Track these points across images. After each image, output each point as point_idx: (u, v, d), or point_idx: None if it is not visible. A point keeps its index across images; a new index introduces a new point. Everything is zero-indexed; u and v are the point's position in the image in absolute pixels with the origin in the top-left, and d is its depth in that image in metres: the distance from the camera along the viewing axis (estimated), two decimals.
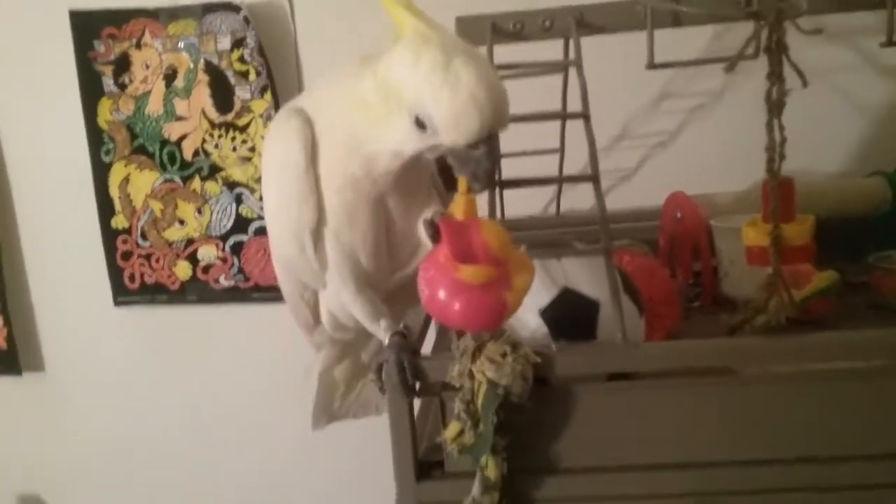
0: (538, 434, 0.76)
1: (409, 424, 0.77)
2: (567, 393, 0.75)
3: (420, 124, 0.68)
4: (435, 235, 0.71)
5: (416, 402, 0.81)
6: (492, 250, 0.66)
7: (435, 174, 0.83)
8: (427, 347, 0.87)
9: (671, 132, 1.41)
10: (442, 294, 0.66)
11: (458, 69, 0.66)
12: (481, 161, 0.68)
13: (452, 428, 0.73)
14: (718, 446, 0.74)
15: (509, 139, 1.03)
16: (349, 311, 0.84)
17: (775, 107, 0.81)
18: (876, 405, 0.73)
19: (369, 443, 1.12)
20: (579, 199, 1.39)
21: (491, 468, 0.72)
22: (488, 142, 0.67)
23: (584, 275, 0.83)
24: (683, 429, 0.74)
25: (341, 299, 0.84)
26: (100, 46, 1.51)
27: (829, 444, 0.73)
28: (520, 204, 1.33)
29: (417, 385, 0.75)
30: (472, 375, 0.71)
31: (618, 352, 0.73)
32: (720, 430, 0.74)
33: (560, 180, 1.28)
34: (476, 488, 0.72)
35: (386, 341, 0.79)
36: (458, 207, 0.69)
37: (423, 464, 0.79)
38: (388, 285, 0.85)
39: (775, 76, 0.81)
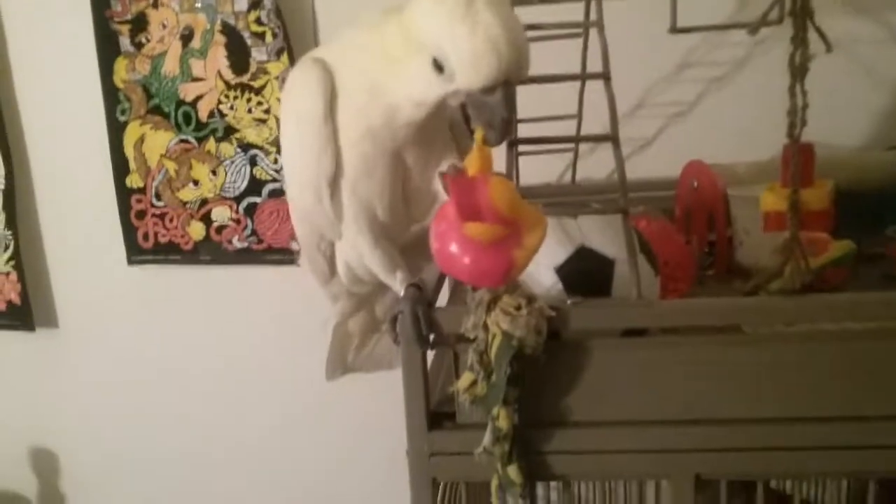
0: (550, 387, 0.76)
1: (423, 375, 0.77)
2: (580, 347, 0.75)
3: (438, 67, 0.68)
4: (447, 186, 0.71)
5: (429, 356, 0.81)
6: (499, 209, 0.65)
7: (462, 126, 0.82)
8: (442, 300, 0.88)
9: (691, 101, 1.40)
10: (451, 248, 0.67)
11: (478, 10, 0.65)
12: (496, 108, 0.67)
13: (465, 378, 0.73)
14: (728, 403, 0.75)
15: (527, 103, 1.04)
16: (365, 263, 0.85)
17: (799, 71, 0.80)
18: (885, 366, 0.73)
19: (381, 394, 1.13)
20: (596, 167, 1.39)
21: (502, 419, 0.72)
22: (505, 88, 0.67)
23: (601, 233, 0.83)
24: (694, 386, 0.75)
25: (358, 250, 0.84)
26: (116, 5, 1.50)
27: (839, 404, 0.74)
28: (536, 171, 1.33)
29: (431, 336, 0.76)
30: (486, 327, 0.72)
31: (632, 308, 0.73)
32: (730, 388, 0.75)
33: (577, 139, 1.27)
34: (487, 438, 0.73)
35: (401, 293, 0.79)
36: (471, 162, 0.69)
37: (435, 414, 0.79)
38: (405, 238, 0.85)
39: (799, 40, 0.80)
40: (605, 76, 0.86)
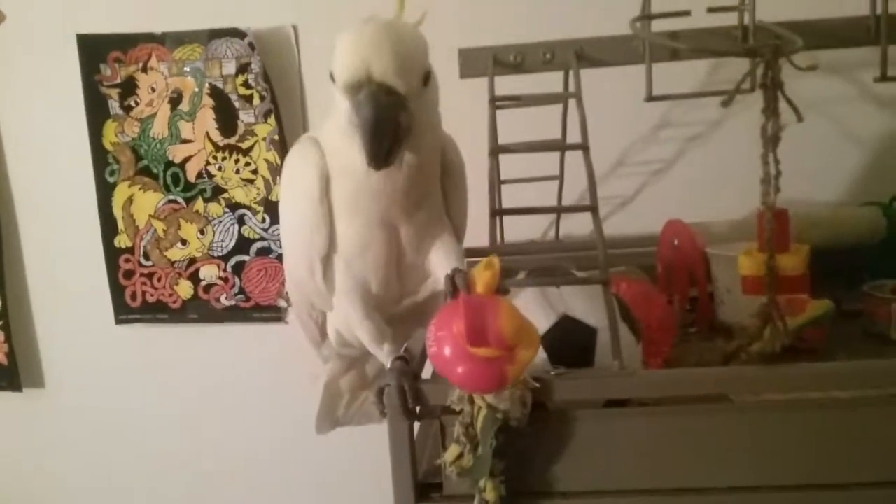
0: (536, 458, 0.77)
1: (409, 447, 0.78)
2: (565, 417, 0.76)
3: (332, 78, 0.71)
4: (454, 292, 0.72)
5: (416, 424, 0.82)
6: (505, 337, 0.68)
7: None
8: (427, 370, 0.89)
9: (668, 160, 1.43)
10: (447, 354, 0.68)
11: (364, 25, 0.69)
12: (361, 106, 0.69)
13: (452, 451, 0.74)
14: (714, 472, 0.75)
15: (510, 166, 1.06)
16: (354, 333, 0.86)
17: (771, 141, 0.83)
18: (871, 433, 0.75)
19: (371, 452, 1.13)
20: (578, 224, 1.41)
21: (489, 491, 0.73)
22: (371, 88, 0.68)
23: (583, 302, 0.85)
24: (679, 455, 0.76)
25: (348, 322, 0.86)
26: (106, 70, 1.53)
27: (824, 472, 0.74)
28: (520, 228, 1.36)
29: (418, 409, 0.77)
30: (471, 400, 0.73)
31: (615, 379, 0.74)
32: (716, 457, 0.75)
33: (559, 210, 1.31)
34: None
35: (388, 365, 0.81)
36: (479, 280, 0.71)
37: (423, 486, 0.80)
38: (395, 310, 0.87)
39: (770, 111, 0.83)
40: (584, 147, 0.89)
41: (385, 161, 0.72)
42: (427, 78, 0.74)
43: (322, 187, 0.79)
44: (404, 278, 0.84)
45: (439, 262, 0.83)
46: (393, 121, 0.70)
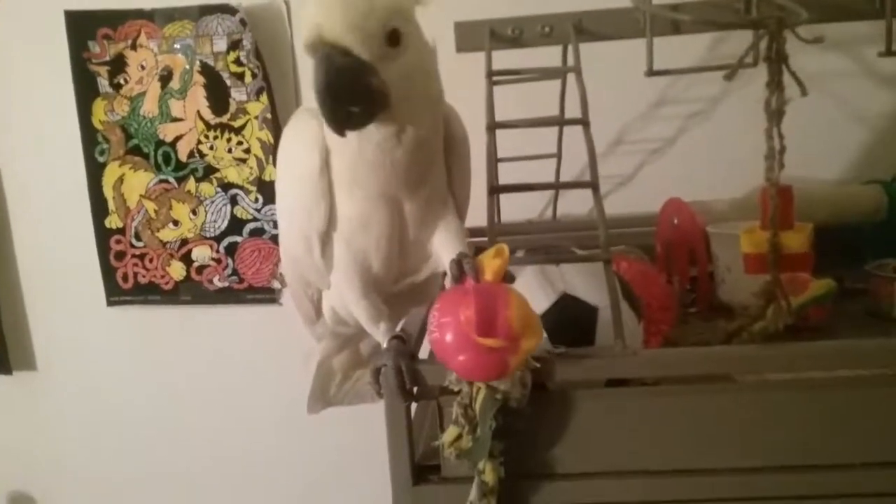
0: (536, 439, 0.75)
1: (406, 429, 0.76)
2: (565, 398, 0.74)
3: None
4: (459, 277, 0.70)
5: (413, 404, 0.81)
6: (513, 329, 0.65)
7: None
8: (424, 349, 0.87)
9: (668, 138, 1.41)
10: (449, 340, 0.66)
11: None
12: (315, 69, 0.67)
13: (450, 432, 0.72)
14: (716, 453, 0.74)
15: (506, 144, 1.04)
16: (350, 311, 0.84)
17: (775, 116, 0.81)
18: (873, 414, 0.73)
19: (365, 432, 1.12)
20: (575, 203, 1.39)
21: (488, 473, 0.71)
22: (326, 50, 0.66)
23: (583, 280, 0.83)
24: (681, 435, 0.74)
25: (344, 299, 0.84)
26: (95, 47, 1.50)
27: (826, 453, 0.73)
28: (517, 207, 1.34)
29: (415, 389, 0.75)
30: (470, 381, 0.71)
31: (617, 358, 0.73)
32: (717, 437, 0.74)
33: (558, 186, 1.28)
34: (473, 493, 0.72)
35: (384, 345, 0.79)
36: (489, 268, 0.69)
37: (420, 468, 0.78)
38: (394, 289, 0.85)
39: (775, 85, 0.81)
40: (584, 122, 0.87)
41: (346, 125, 0.69)
42: (395, 38, 0.69)
43: (321, 161, 0.76)
44: (405, 257, 0.82)
45: (442, 243, 0.81)
46: (350, 82, 0.67)
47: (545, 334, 0.79)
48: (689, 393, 0.75)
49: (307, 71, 1.47)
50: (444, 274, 0.80)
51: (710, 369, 0.76)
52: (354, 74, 0.68)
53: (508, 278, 0.70)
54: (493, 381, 0.69)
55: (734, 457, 0.74)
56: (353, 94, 0.68)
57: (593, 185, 0.82)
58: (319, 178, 0.76)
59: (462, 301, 0.66)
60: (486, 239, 0.80)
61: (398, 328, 0.82)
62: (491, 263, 0.68)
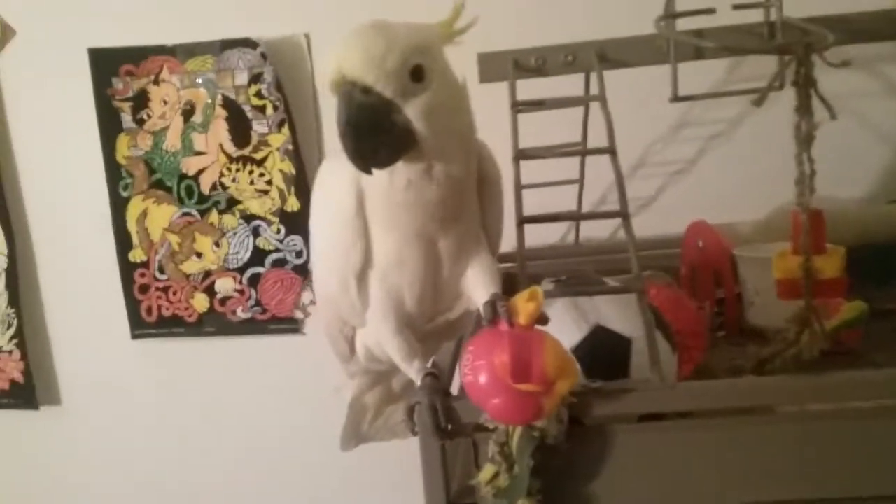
0: (573, 475, 0.74)
1: (442, 467, 0.76)
2: (602, 433, 0.74)
3: None
4: (493, 319, 0.70)
5: None
6: (548, 375, 0.65)
7: None
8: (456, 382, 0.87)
9: (689, 160, 1.41)
10: (483, 383, 0.66)
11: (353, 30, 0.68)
12: (339, 109, 0.67)
13: (487, 470, 0.72)
14: (759, 486, 0.73)
15: (529, 170, 1.04)
16: (384, 348, 0.84)
17: (805, 140, 0.80)
18: None
19: (396, 466, 1.11)
20: (597, 227, 1.39)
21: None
22: (345, 87, 0.67)
23: (616, 311, 0.83)
24: (721, 469, 0.73)
25: (378, 337, 0.84)
26: (118, 83, 1.52)
27: (874, 483, 0.72)
28: (538, 231, 1.33)
29: (450, 427, 0.74)
30: None
31: (655, 392, 0.72)
32: (757, 470, 0.73)
33: (587, 216, 1.29)
34: None
35: (418, 382, 0.78)
36: (523, 311, 0.68)
37: None
38: (426, 327, 0.84)
39: (804, 109, 0.81)
40: (612, 150, 0.86)
41: (372, 162, 0.70)
42: (419, 75, 0.69)
43: (357, 201, 0.76)
44: (439, 294, 0.82)
45: (475, 282, 0.81)
46: (371, 119, 0.68)
47: (580, 368, 0.78)
48: (729, 425, 0.74)
49: (328, 102, 1.48)
50: (477, 312, 0.79)
51: (751, 401, 0.75)
52: (376, 111, 0.68)
53: (542, 320, 0.69)
54: (527, 423, 0.68)
55: (778, 490, 0.73)
56: (374, 131, 0.68)
57: (623, 214, 0.81)
58: (356, 219, 0.77)
59: (497, 344, 0.66)
60: (513, 265, 0.80)
61: (430, 363, 0.82)
62: (525, 307, 0.68)
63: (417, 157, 0.71)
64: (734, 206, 1.29)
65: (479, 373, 0.66)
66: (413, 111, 0.69)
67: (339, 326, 0.89)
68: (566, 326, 0.81)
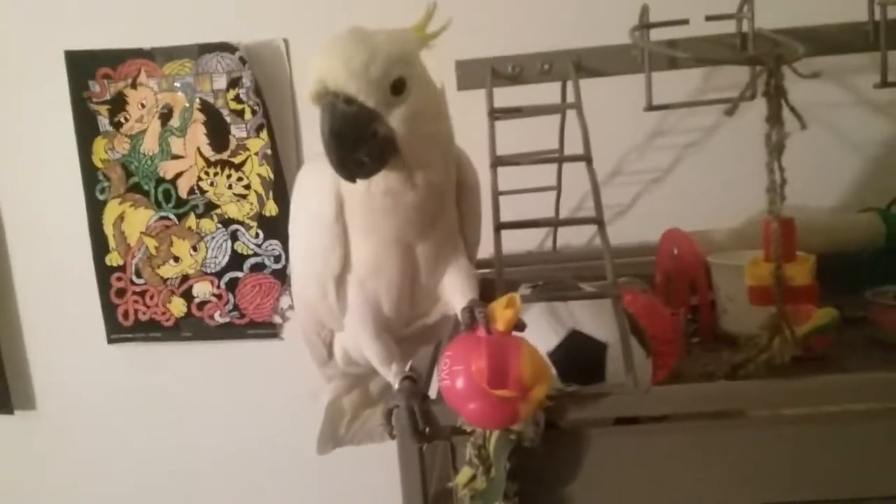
0: (549, 478, 0.75)
1: (419, 470, 0.77)
2: (577, 436, 0.75)
3: None
4: (471, 325, 0.71)
5: None
6: (525, 380, 0.66)
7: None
8: (434, 386, 0.87)
9: (664, 168, 1.42)
10: (460, 387, 0.66)
11: (331, 36, 0.69)
12: (321, 117, 0.68)
13: (464, 473, 0.72)
14: (730, 489, 0.74)
15: (506, 177, 1.05)
16: (362, 352, 0.85)
17: (775, 149, 0.82)
18: (885, 446, 0.74)
19: (372, 469, 1.11)
20: (575, 233, 1.40)
21: None
22: (328, 97, 0.67)
23: (591, 316, 0.84)
24: (694, 472, 0.75)
25: (357, 341, 0.84)
26: (95, 86, 1.51)
27: (843, 486, 0.74)
28: (516, 238, 1.34)
29: (427, 430, 0.75)
30: None
31: (630, 396, 0.73)
32: (731, 473, 0.74)
33: (564, 223, 1.30)
34: None
35: (396, 385, 0.79)
36: (501, 318, 0.69)
37: None
38: (404, 331, 0.85)
39: (775, 119, 0.82)
40: (587, 158, 0.88)
41: (357, 173, 0.70)
42: (399, 85, 0.70)
43: (337, 207, 0.77)
44: (417, 299, 0.83)
45: (453, 287, 0.81)
46: (354, 129, 0.68)
47: (555, 373, 0.79)
48: (702, 429, 0.75)
49: (307, 107, 1.47)
50: (455, 317, 0.80)
51: (724, 405, 0.76)
52: (359, 121, 0.68)
53: (520, 326, 0.70)
54: (503, 428, 0.69)
55: (749, 493, 0.74)
56: (358, 141, 0.69)
57: (598, 221, 0.83)
58: (335, 224, 0.77)
59: (474, 350, 0.67)
60: (491, 270, 0.81)
61: (407, 367, 0.82)
62: (503, 314, 0.68)
63: (397, 164, 0.72)
64: (709, 213, 1.31)
65: (456, 378, 0.67)
66: (395, 120, 0.70)
67: (316, 330, 0.90)
68: (542, 331, 0.81)
